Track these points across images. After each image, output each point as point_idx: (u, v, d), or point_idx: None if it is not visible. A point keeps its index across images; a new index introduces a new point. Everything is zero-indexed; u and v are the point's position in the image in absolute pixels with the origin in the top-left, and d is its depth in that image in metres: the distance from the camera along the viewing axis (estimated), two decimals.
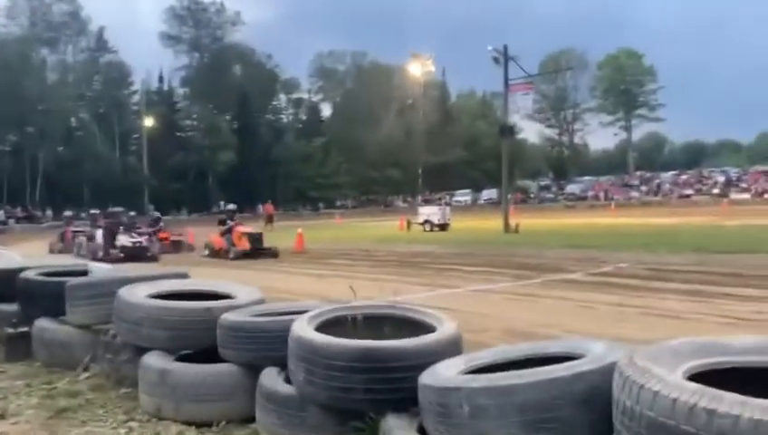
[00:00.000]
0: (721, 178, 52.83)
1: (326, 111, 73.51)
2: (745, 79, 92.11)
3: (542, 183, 66.68)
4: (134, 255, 15.58)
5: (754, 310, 6.64)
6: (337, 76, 72.03)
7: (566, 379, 2.06)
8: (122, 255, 15.48)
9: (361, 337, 2.93)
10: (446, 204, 37.02)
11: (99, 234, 17.62)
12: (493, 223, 26.07)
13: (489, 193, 57.97)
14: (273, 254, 15.84)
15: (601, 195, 55.63)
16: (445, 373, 2.43)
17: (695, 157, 72.93)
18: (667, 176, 58.52)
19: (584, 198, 55.35)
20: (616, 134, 73.60)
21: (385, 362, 2.64)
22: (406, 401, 2.59)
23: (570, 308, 7.39)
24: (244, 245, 15.96)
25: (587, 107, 72.82)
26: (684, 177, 56.89)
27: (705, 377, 1.96)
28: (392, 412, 2.62)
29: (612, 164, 71.82)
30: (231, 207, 19.00)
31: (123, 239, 16.54)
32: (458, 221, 29.44)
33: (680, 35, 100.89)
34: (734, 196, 45.39)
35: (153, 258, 16.01)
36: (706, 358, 2.03)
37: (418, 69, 46.92)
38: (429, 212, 28.08)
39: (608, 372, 2.05)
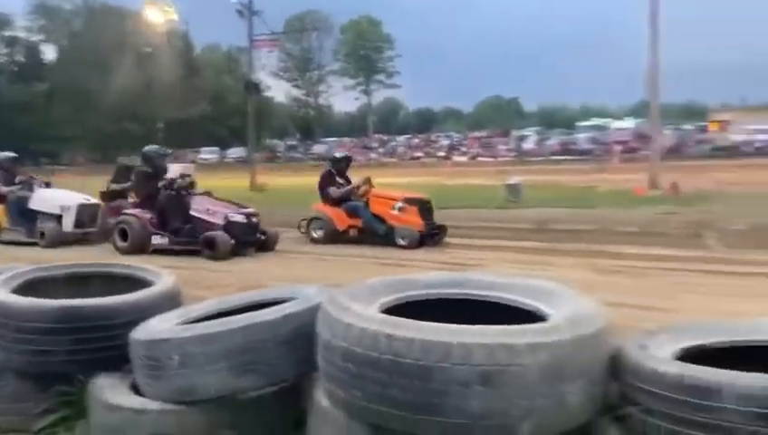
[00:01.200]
0: (446, 142, 58.84)
1: (50, 54, 64.97)
2: (468, 54, 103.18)
3: (290, 142, 67.63)
4: (246, 239, 8.34)
5: (473, 257, 7.63)
6: (62, 15, 63.83)
7: (273, 321, 2.15)
8: (232, 241, 8.00)
9: (71, 297, 2.72)
10: (192, 161, 35.54)
11: (49, 198, 9.86)
12: (240, 181, 25.78)
13: (237, 151, 57.03)
14: (441, 235, 9.09)
15: None
16: (157, 327, 2.38)
17: (425, 122, 79.86)
18: (402, 139, 63.36)
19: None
20: (357, 98, 77.39)
21: (91, 320, 2.50)
22: (120, 359, 2.47)
23: (305, 261, 7.73)
24: (414, 220, 8.78)
25: (331, 69, 75.20)
26: (415, 140, 62.12)
27: (402, 310, 2.20)
28: (104, 372, 2.50)
29: (354, 126, 75.52)
30: (339, 154, 10.74)
31: (226, 210, 8.47)
32: (204, 180, 28.33)
33: (417, 10, 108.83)
34: (455, 158, 50.89)
35: (270, 243, 8.66)
36: (397, 293, 2.28)
37: (158, 16, 43.70)
38: (172, 170, 26.71)
39: (315, 312, 2.17)
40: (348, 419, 1.93)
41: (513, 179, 14.64)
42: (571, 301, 2.13)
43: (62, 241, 9.32)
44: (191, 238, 8.24)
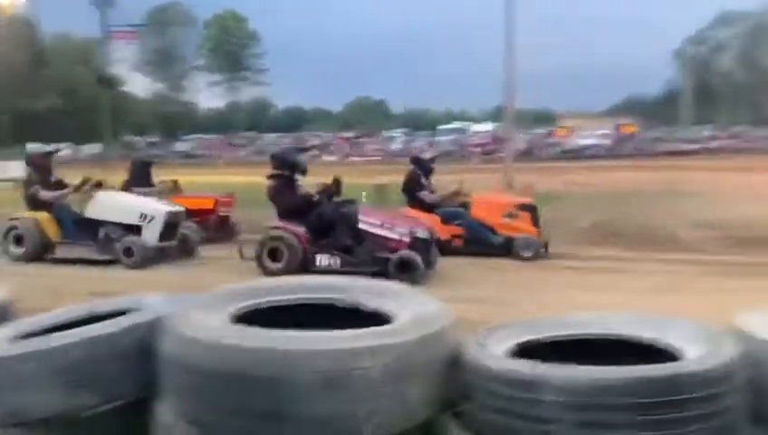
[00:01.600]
0: (316, 142, 58.81)
1: None
2: (336, 55, 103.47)
3: (151, 140, 64.34)
4: (428, 258, 6.72)
5: None
6: None
7: (111, 335, 2.04)
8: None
9: None
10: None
11: (121, 204, 7.85)
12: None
13: (93, 148, 53.32)
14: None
15: (210, 153, 56.52)
16: None
17: (295, 121, 79.11)
18: (271, 137, 62.40)
19: (194, 156, 55.40)
20: (223, 95, 75.26)
21: None
22: None
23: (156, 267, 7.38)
24: (529, 228, 7.91)
25: (195, 65, 72.57)
26: (286, 139, 61.47)
27: (254, 317, 2.17)
28: None
29: (222, 123, 73.33)
30: (426, 155, 9.73)
31: (407, 224, 6.94)
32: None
33: (281, 8, 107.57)
34: (325, 158, 51.00)
35: (434, 261, 6.93)
36: (244, 301, 2.25)
37: None
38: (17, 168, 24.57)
39: (158, 323, 2.09)
40: (193, 433, 1.87)
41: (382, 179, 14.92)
42: (415, 301, 2.21)
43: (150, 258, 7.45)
44: (370, 259, 6.64)
